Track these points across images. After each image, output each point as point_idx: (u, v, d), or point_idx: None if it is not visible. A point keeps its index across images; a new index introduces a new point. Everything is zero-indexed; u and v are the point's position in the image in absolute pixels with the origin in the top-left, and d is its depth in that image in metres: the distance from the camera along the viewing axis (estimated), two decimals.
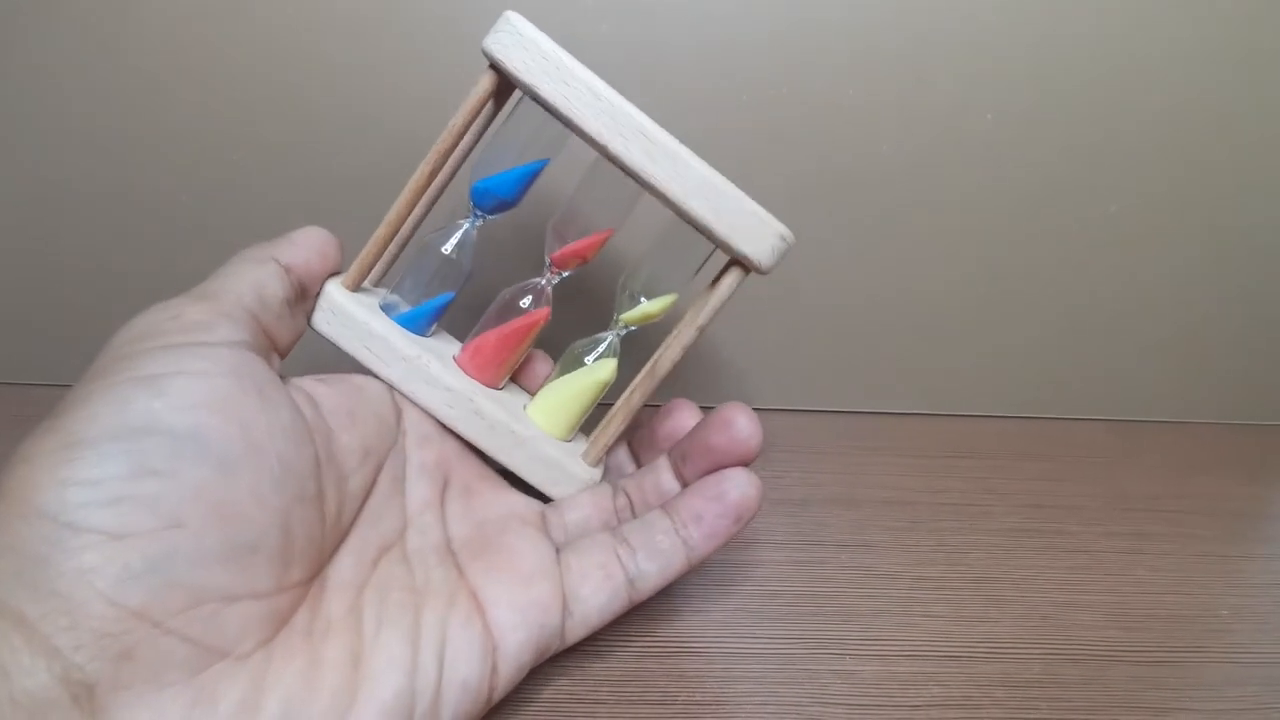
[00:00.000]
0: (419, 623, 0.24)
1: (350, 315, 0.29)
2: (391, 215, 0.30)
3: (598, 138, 0.28)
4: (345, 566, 0.25)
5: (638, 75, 0.41)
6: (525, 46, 0.27)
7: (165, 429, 0.20)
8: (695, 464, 0.30)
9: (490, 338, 0.32)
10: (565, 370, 0.33)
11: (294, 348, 0.29)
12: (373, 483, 0.28)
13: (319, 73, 0.41)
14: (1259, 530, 0.42)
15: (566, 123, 0.28)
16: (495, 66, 0.28)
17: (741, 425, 0.29)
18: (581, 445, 0.33)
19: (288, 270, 0.28)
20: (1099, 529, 0.40)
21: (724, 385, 0.49)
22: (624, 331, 0.33)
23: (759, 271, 0.29)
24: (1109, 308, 0.50)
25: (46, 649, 0.17)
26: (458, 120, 0.29)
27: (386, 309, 0.31)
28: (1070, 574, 0.37)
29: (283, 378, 0.26)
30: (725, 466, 0.29)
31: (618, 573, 0.28)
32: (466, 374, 0.32)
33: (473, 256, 0.32)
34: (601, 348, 0.33)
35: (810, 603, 0.34)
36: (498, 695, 0.25)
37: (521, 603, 0.26)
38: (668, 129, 0.28)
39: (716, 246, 0.30)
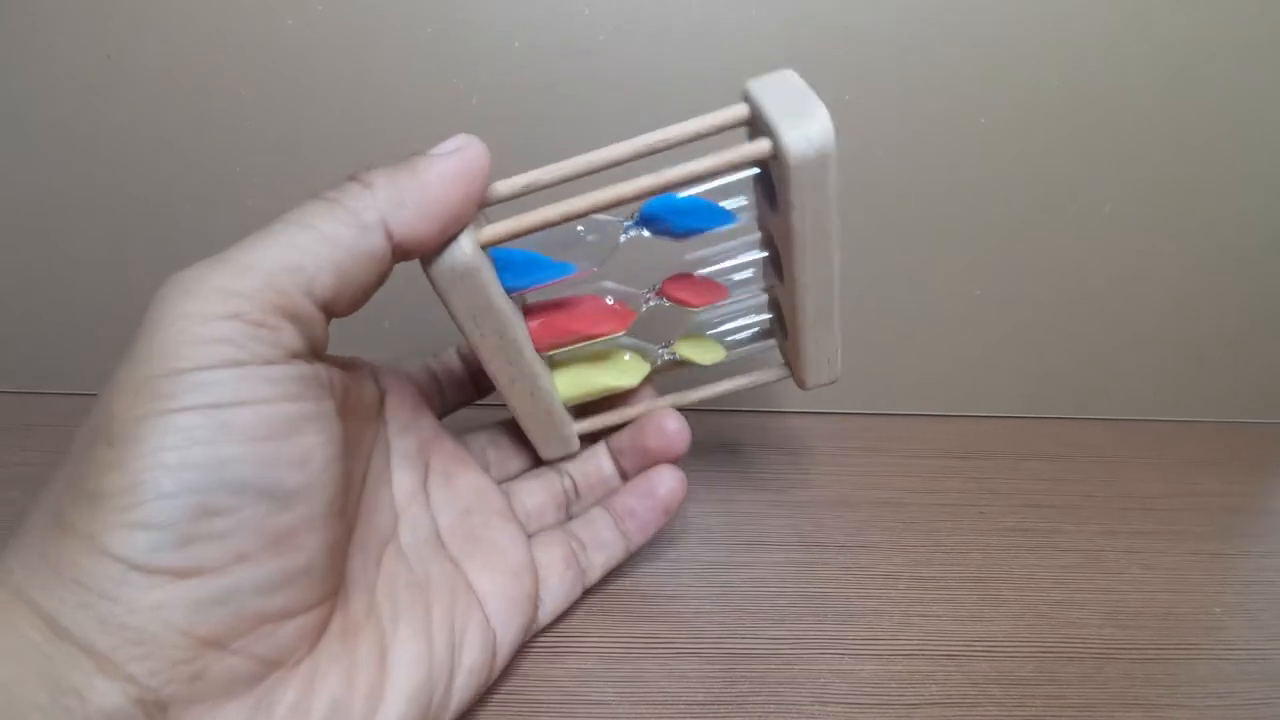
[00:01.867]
0: (429, 618, 0.26)
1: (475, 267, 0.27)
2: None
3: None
4: (357, 566, 0.26)
5: (638, 83, 0.42)
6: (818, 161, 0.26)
7: (232, 471, 0.20)
8: (631, 459, 0.34)
9: (562, 318, 0.31)
10: (601, 357, 0.34)
11: None
12: (364, 474, 0.28)
13: (342, 82, 0.41)
14: (1253, 527, 0.42)
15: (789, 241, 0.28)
16: (773, 141, 0.26)
17: (672, 429, 0.33)
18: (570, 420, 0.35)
19: (392, 242, 0.24)
20: (1095, 528, 0.41)
21: None
22: (670, 356, 0.35)
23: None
24: (1105, 307, 0.50)
25: (121, 675, 0.18)
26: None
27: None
28: (1066, 573, 0.37)
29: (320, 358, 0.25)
30: (656, 463, 0.34)
31: (574, 564, 0.32)
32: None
33: (606, 259, 0.31)
34: (640, 358, 0.34)
35: (809, 603, 0.34)
36: (494, 677, 0.28)
37: (514, 596, 0.29)
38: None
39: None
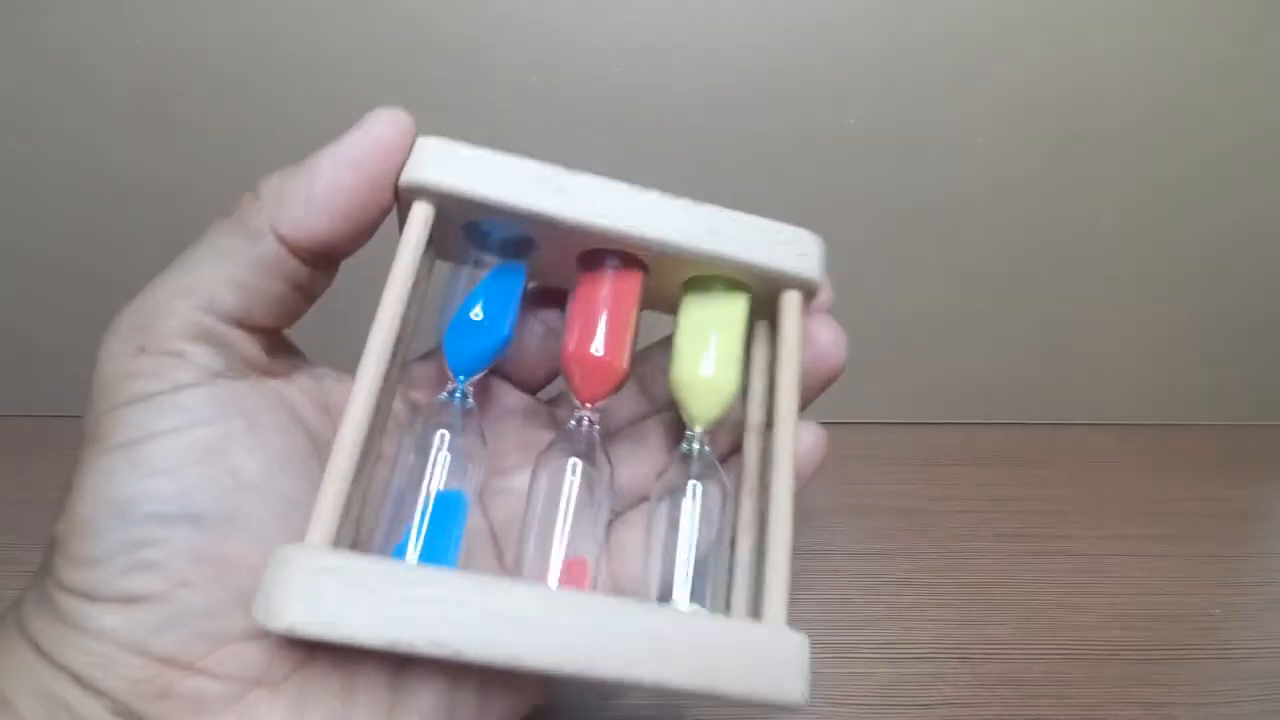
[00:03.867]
0: None
1: (352, 592, 0.19)
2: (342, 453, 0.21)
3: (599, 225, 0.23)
4: None
5: (649, 115, 0.43)
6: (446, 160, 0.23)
7: (149, 505, 0.20)
8: None
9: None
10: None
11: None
12: None
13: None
14: (1254, 530, 0.43)
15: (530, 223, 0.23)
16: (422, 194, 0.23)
17: (825, 338, 0.26)
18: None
19: (287, 245, 0.22)
20: (1100, 532, 0.42)
21: None
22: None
23: (814, 291, 0.25)
24: (1108, 313, 0.52)
25: (96, 691, 0.19)
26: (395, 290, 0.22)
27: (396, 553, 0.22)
28: (1072, 576, 0.39)
29: (291, 366, 0.25)
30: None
31: None
32: (570, 585, 0.23)
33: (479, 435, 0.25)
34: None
35: (822, 610, 0.36)
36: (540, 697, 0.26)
37: None
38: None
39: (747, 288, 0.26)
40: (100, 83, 0.41)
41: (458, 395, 0.25)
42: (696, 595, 0.24)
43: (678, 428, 0.29)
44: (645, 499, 0.27)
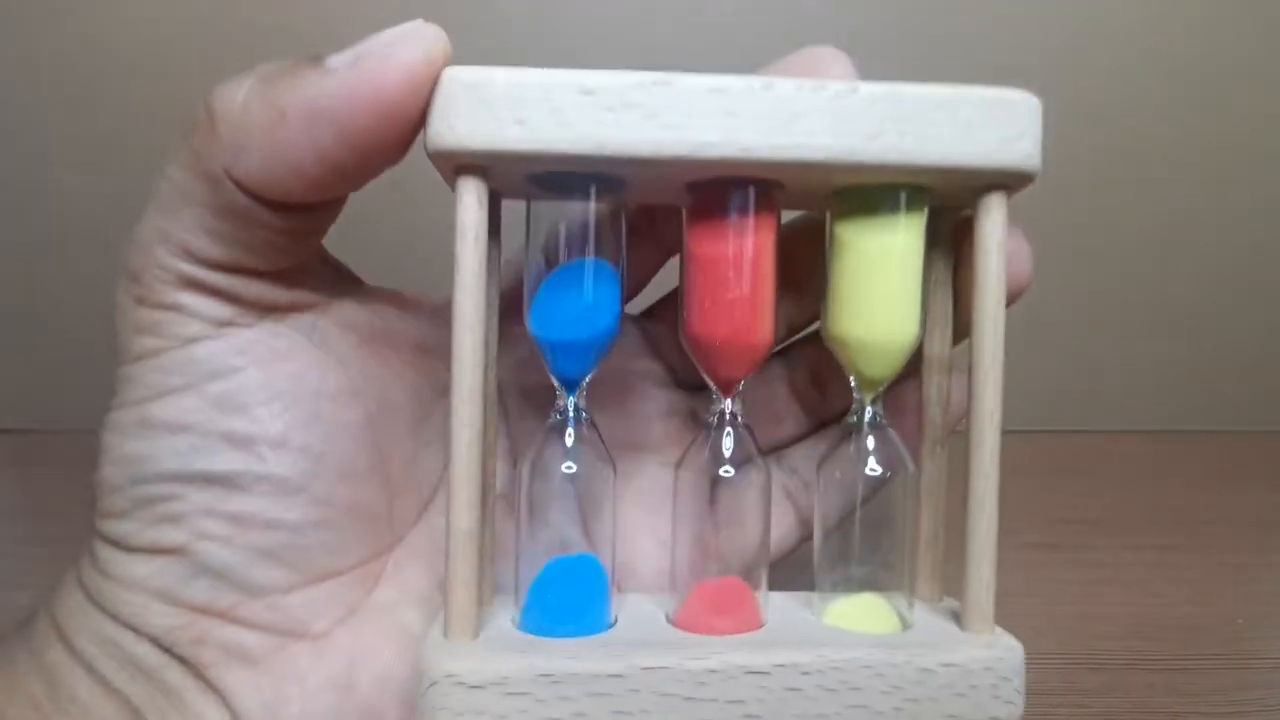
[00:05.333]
0: None
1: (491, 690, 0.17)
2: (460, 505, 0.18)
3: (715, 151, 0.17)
4: (409, 525, 0.23)
5: None
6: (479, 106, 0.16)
7: (161, 461, 0.20)
8: None
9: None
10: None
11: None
12: (414, 420, 0.24)
13: None
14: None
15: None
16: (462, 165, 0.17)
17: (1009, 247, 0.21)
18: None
19: (251, 195, 0.18)
20: (1122, 541, 0.42)
21: None
22: None
23: (1028, 180, 0.20)
24: (1133, 320, 0.52)
25: (139, 633, 0.20)
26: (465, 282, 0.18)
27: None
28: (1094, 586, 0.39)
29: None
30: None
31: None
32: (718, 631, 0.20)
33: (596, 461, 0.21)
34: None
35: None
36: None
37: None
38: None
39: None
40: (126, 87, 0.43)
41: (570, 414, 0.20)
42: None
43: (673, 386, 0.25)
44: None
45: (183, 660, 0.20)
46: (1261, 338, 0.53)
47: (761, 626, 0.21)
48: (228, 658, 0.20)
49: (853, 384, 0.21)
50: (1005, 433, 0.23)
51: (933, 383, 0.22)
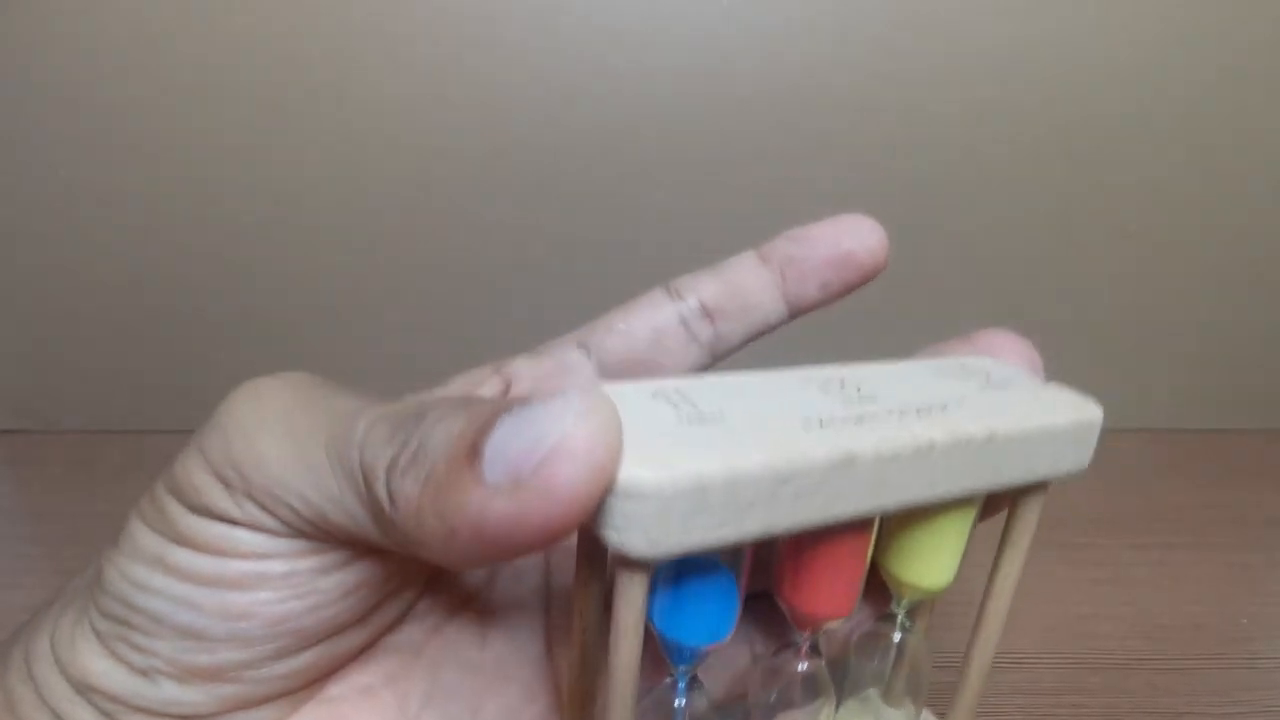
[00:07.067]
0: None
1: None
2: None
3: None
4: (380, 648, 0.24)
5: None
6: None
7: (150, 602, 0.19)
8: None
9: None
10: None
11: None
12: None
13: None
14: None
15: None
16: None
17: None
18: None
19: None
20: (1125, 541, 0.42)
21: None
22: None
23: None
24: (1136, 319, 0.51)
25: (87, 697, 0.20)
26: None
27: None
28: (1095, 586, 0.38)
29: None
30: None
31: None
32: None
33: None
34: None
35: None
36: None
37: None
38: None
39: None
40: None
41: (680, 688, 0.22)
42: None
43: None
44: None
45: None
46: (1268, 336, 0.52)
47: None
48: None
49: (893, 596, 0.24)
50: None
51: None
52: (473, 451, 0.15)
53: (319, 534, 0.19)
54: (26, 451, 0.50)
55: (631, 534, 0.14)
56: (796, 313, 0.24)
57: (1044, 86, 0.45)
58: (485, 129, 0.46)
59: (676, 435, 0.15)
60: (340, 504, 0.18)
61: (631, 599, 0.16)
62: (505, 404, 0.16)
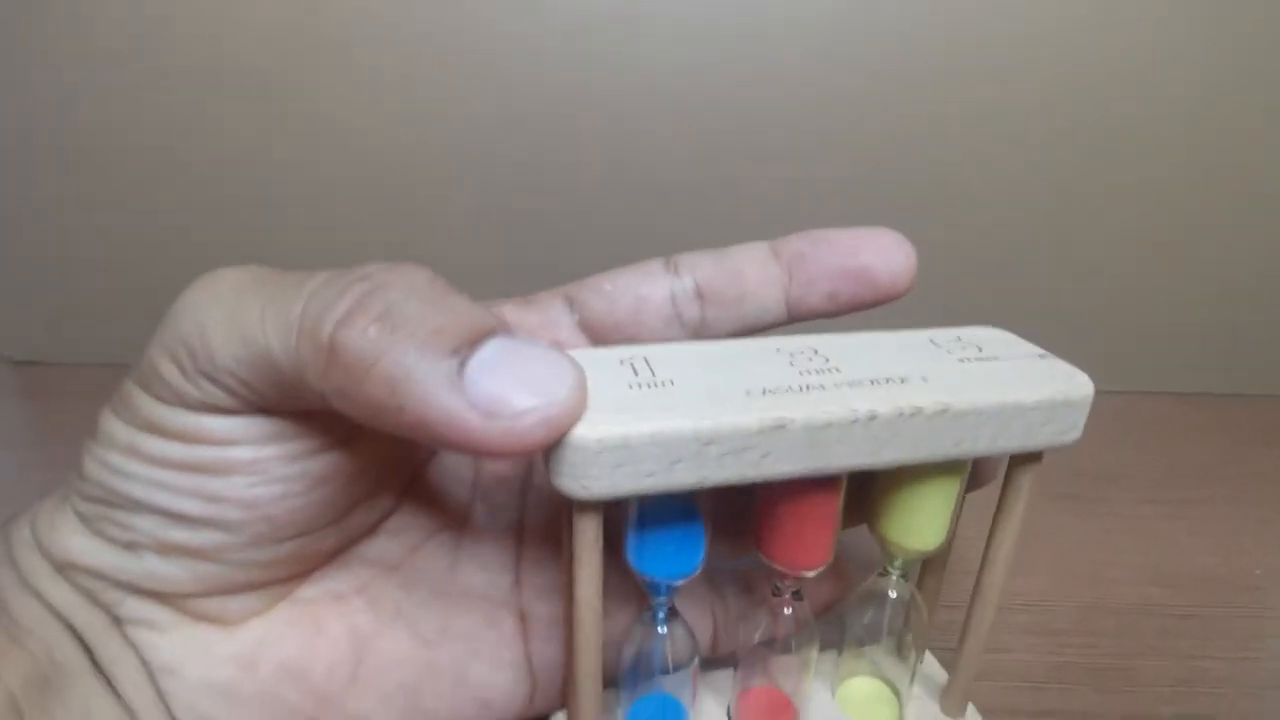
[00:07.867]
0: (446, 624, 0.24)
1: None
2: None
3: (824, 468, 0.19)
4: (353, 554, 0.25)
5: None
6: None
7: (128, 487, 0.20)
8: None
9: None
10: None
11: None
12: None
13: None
14: None
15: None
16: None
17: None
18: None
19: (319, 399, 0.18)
20: (1143, 495, 0.41)
21: None
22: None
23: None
24: (1165, 284, 0.51)
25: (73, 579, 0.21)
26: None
27: None
28: (1109, 536, 0.38)
29: None
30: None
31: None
32: None
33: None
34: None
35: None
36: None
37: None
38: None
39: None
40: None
41: (660, 617, 0.23)
42: None
43: None
44: None
45: (105, 607, 0.21)
46: None
47: None
48: (136, 625, 0.21)
49: (886, 558, 0.25)
50: None
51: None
52: (454, 355, 0.16)
53: (269, 405, 0.19)
54: (43, 383, 0.50)
55: (568, 478, 0.17)
56: (797, 316, 0.23)
57: (1047, 84, 0.44)
58: (485, 129, 0.45)
59: (623, 399, 0.18)
60: (268, 358, 0.18)
61: (583, 530, 0.18)
62: (491, 325, 0.17)
